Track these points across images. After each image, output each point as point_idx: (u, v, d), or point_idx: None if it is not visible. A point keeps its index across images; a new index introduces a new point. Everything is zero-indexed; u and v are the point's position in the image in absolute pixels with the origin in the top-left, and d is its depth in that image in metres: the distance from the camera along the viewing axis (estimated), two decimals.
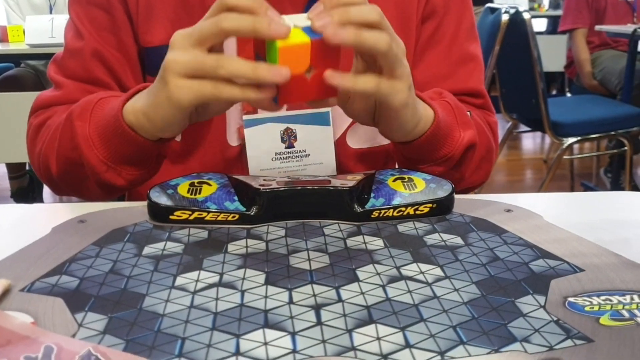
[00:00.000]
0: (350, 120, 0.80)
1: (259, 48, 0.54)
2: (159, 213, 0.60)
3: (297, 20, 0.52)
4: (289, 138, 0.76)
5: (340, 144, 0.80)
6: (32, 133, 0.76)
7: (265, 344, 0.39)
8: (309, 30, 0.52)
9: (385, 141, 0.83)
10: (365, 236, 0.57)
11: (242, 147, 0.77)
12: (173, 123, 0.58)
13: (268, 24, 0.50)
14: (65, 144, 0.66)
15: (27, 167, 2.81)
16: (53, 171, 0.69)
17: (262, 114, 0.75)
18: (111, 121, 0.62)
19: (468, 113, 0.72)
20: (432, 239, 0.56)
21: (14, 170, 2.80)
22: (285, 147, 0.76)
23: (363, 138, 0.82)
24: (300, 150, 0.76)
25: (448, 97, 0.73)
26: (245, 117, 0.75)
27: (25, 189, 2.83)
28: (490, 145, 0.78)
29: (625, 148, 2.65)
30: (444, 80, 0.80)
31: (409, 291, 0.46)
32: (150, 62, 0.78)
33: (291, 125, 0.76)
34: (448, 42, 0.81)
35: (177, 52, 0.54)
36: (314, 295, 0.45)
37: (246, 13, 0.51)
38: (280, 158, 0.76)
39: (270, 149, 0.75)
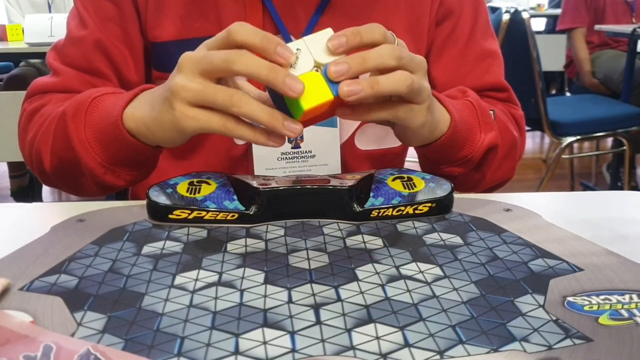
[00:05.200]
0: (359, 122, 0.79)
1: None
2: (158, 212, 0.60)
3: (315, 49, 0.51)
4: (295, 138, 0.76)
5: (348, 146, 0.80)
6: (25, 119, 0.74)
7: (265, 343, 0.39)
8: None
9: (394, 144, 0.83)
10: (364, 235, 0.57)
11: (248, 145, 0.77)
12: (175, 141, 0.58)
13: (283, 79, 0.48)
14: (60, 144, 0.66)
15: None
16: (46, 166, 0.69)
17: None
18: (110, 127, 0.61)
19: (491, 112, 0.72)
20: (432, 238, 0.56)
21: (15, 169, 2.80)
22: (292, 147, 0.76)
23: (372, 139, 0.81)
24: (306, 151, 0.76)
25: (471, 97, 0.72)
26: None
27: (26, 188, 2.83)
28: (513, 141, 0.77)
29: (625, 148, 2.65)
30: (465, 78, 0.80)
31: (408, 290, 0.46)
32: (157, 57, 0.77)
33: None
34: (465, 41, 0.81)
35: (186, 78, 0.52)
36: (313, 294, 0.45)
37: (256, 49, 0.49)
38: (286, 158, 0.76)
39: (276, 149, 0.75)
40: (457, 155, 0.69)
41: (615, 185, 2.94)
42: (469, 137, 0.68)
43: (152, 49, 0.77)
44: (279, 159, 0.76)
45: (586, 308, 0.43)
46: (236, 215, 0.59)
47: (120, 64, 0.76)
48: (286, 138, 0.52)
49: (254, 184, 0.60)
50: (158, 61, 0.77)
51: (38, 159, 0.70)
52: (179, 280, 0.48)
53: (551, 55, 3.33)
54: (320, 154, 0.77)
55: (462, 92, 0.74)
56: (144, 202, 0.61)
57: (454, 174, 0.69)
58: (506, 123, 0.76)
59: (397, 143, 0.83)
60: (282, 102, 0.51)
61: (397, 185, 0.63)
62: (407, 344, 0.39)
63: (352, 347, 0.38)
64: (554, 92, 4.41)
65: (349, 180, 0.62)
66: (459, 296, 0.45)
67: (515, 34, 2.37)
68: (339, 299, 0.45)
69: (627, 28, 2.77)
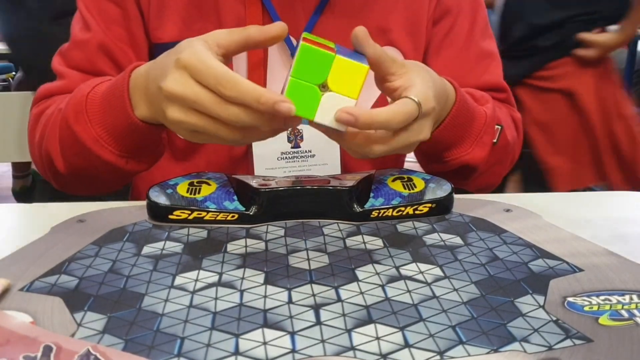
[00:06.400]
0: None
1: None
2: (158, 212, 0.60)
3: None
4: (295, 138, 0.76)
5: None
6: (32, 123, 0.75)
7: (265, 343, 0.39)
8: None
9: None
10: (364, 236, 0.57)
11: (248, 145, 0.77)
12: None
13: (272, 106, 0.47)
14: (71, 149, 0.65)
15: (32, 167, 2.82)
16: (61, 169, 0.69)
17: None
18: (120, 119, 0.60)
19: (498, 128, 0.71)
20: (432, 238, 0.56)
21: (19, 169, 2.81)
22: (292, 147, 0.76)
23: None
24: (306, 151, 0.76)
25: (489, 109, 0.72)
26: None
27: (29, 188, 2.84)
28: (506, 149, 0.77)
29: None
30: (464, 78, 0.79)
31: (408, 291, 0.46)
32: None
33: (298, 126, 0.76)
34: (463, 41, 0.81)
35: (176, 113, 0.52)
36: (313, 294, 0.45)
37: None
38: (286, 158, 0.76)
39: (276, 149, 0.76)
40: (441, 155, 0.69)
41: None
42: (454, 145, 0.68)
43: (154, 50, 0.77)
44: (279, 158, 0.76)
45: (586, 308, 0.43)
46: (236, 216, 0.59)
47: (125, 65, 0.75)
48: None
49: (254, 184, 0.60)
50: None
51: (49, 160, 0.70)
52: (179, 280, 0.48)
53: None
54: (320, 153, 0.77)
55: (486, 100, 0.74)
56: (144, 202, 0.61)
57: (433, 169, 0.70)
58: (507, 137, 0.76)
59: None
60: None
61: (397, 186, 0.63)
62: (407, 345, 0.39)
63: (352, 348, 0.38)
64: None
65: (349, 181, 0.62)
66: (459, 297, 0.45)
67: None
68: (339, 299, 0.45)
69: None
